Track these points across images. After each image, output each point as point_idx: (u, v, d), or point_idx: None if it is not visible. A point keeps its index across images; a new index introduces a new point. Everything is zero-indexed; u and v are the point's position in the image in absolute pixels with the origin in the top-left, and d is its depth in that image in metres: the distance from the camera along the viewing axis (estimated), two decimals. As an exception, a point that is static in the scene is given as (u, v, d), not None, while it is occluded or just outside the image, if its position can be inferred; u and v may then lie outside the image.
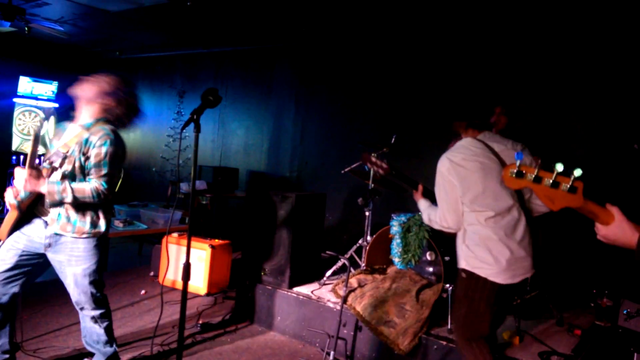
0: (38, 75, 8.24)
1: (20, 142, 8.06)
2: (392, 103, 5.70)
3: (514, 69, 4.90)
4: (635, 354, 2.76)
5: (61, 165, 2.55)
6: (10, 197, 2.54)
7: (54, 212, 2.58)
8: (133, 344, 3.48)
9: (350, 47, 6.06)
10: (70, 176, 2.55)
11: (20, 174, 2.45)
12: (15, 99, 7.97)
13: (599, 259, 4.09)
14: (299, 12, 5.47)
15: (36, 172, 2.46)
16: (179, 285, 4.69)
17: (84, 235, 2.61)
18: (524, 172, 1.37)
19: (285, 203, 4.03)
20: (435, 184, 2.52)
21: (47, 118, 2.31)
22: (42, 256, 2.66)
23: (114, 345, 2.87)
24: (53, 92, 8.41)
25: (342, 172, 4.36)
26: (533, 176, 1.36)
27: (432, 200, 2.67)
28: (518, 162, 1.37)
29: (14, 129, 8.00)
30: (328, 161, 6.20)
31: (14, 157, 7.92)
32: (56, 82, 8.43)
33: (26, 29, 5.82)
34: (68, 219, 2.58)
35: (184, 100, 7.84)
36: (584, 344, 3.32)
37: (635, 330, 3.02)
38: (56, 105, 8.39)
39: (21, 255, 2.61)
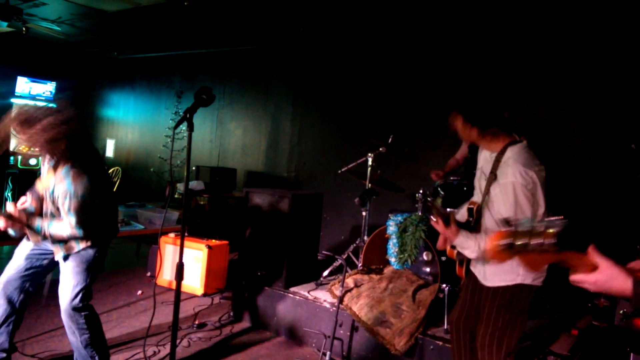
0: (36, 75, 8.25)
1: (17, 142, 8.03)
2: (389, 104, 5.69)
3: (511, 70, 4.89)
4: (632, 354, 2.75)
5: (44, 206, 2.68)
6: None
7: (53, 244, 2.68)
8: (128, 344, 3.47)
9: (348, 48, 6.05)
10: (51, 215, 2.65)
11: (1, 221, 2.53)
12: (13, 100, 7.97)
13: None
14: (297, 12, 5.47)
15: (9, 221, 2.53)
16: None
17: (89, 244, 2.70)
18: (513, 244, 1.25)
19: (282, 203, 4.03)
20: (508, 201, 2.14)
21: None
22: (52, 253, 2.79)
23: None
24: (51, 92, 8.41)
25: (339, 172, 4.35)
26: (521, 243, 1.25)
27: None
28: (507, 229, 1.26)
29: (12, 130, 7.98)
30: (325, 161, 6.20)
31: (11, 158, 7.91)
32: (54, 83, 8.43)
33: (24, 29, 5.82)
34: (68, 241, 2.67)
35: (182, 100, 7.83)
36: (581, 344, 3.31)
37: (632, 330, 3.02)
38: (54, 105, 8.38)
39: (33, 250, 2.75)
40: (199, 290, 4.60)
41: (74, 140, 2.54)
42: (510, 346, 2.28)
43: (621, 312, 3.05)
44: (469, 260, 2.48)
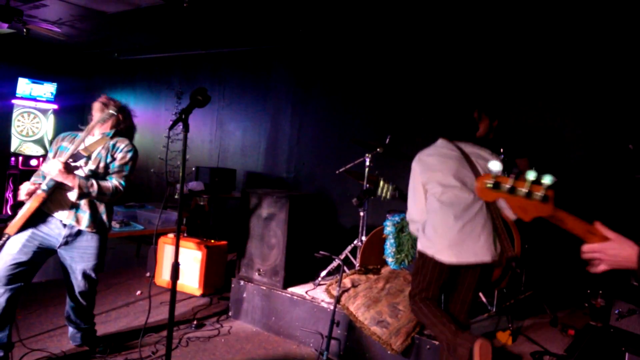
0: (37, 76, 8.27)
1: (19, 143, 8.08)
2: (388, 104, 5.71)
3: (509, 70, 4.90)
4: (627, 354, 2.76)
5: (85, 165, 2.91)
6: (24, 192, 2.81)
7: (72, 206, 2.90)
8: (127, 343, 3.49)
9: (347, 49, 6.07)
10: (92, 175, 2.90)
11: (54, 164, 2.73)
12: (14, 101, 8.00)
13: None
14: (296, 13, 5.49)
15: (69, 167, 2.78)
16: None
17: (95, 230, 2.97)
18: (499, 183, 1.33)
19: (280, 203, 4.04)
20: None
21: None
22: (52, 252, 2.97)
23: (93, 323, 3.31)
24: (52, 93, 8.44)
25: (337, 172, 4.36)
26: (507, 187, 1.32)
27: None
28: (493, 173, 1.33)
29: (13, 131, 8.02)
30: (324, 162, 6.21)
31: (12, 159, 7.94)
32: (55, 84, 8.46)
33: (24, 30, 5.84)
34: (84, 212, 2.92)
35: (181, 101, 7.85)
36: (577, 343, 3.32)
37: (627, 330, 3.02)
38: (55, 106, 8.41)
39: (35, 251, 2.87)
40: (198, 291, 4.62)
41: (130, 126, 3.25)
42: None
43: (616, 312, 3.06)
44: None
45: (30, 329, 3.55)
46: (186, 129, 2.27)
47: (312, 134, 6.50)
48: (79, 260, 3.01)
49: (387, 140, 4.25)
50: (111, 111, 3.02)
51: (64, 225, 2.92)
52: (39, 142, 8.31)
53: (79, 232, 2.96)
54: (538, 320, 3.90)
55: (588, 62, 4.45)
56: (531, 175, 1.28)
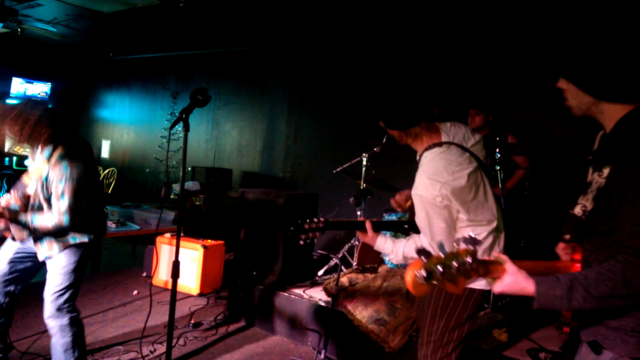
0: (31, 76, 8.24)
1: (12, 143, 8.02)
2: (384, 104, 5.72)
3: (502, 69, 4.93)
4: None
5: (27, 198, 2.62)
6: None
7: (34, 239, 2.63)
8: (124, 344, 3.49)
9: (343, 49, 6.09)
10: (37, 208, 2.59)
11: None
12: (8, 101, 7.95)
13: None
14: (292, 13, 5.50)
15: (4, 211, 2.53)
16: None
17: (70, 248, 2.64)
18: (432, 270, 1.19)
19: (277, 203, 4.05)
20: (422, 214, 2.00)
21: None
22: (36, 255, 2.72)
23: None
24: (46, 93, 8.40)
25: (334, 171, 4.38)
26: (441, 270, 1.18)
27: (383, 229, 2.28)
28: (425, 260, 1.20)
29: (7, 131, 7.97)
30: (321, 161, 6.23)
31: (6, 159, 7.91)
32: (49, 83, 8.43)
33: (19, 30, 5.82)
34: (50, 239, 2.61)
35: (177, 101, 7.85)
36: (573, 341, 3.35)
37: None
38: (50, 106, 8.38)
39: (16, 253, 2.70)
40: (195, 290, 4.62)
41: (56, 127, 2.56)
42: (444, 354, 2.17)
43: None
44: None
45: (27, 329, 3.55)
46: (186, 128, 2.27)
47: (308, 134, 6.52)
48: (50, 277, 2.68)
49: (385, 139, 4.27)
50: (9, 135, 2.56)
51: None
52: (34, 142, 8.27)
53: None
54: (533, 317, 3.93)
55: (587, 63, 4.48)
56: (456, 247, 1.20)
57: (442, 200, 1.92)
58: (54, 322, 2.67)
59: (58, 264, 2.64)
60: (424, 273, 1.18)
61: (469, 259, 1.18)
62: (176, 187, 6.14)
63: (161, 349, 3.41)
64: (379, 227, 2.19)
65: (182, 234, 5.09)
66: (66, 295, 2.66)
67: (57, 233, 2.58)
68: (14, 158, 7.90)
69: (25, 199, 2.63)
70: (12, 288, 2.72)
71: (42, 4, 5.77)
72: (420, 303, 2.29)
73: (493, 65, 5.00)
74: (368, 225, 2.14)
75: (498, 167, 3.84)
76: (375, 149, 4.16)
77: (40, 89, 8.31)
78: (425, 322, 2.18)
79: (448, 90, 5.21)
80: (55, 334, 2.68)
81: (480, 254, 1.26)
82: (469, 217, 2.00)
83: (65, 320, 2.67)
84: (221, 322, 4.07)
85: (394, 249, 2.13)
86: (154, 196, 7.85)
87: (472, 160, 2.06)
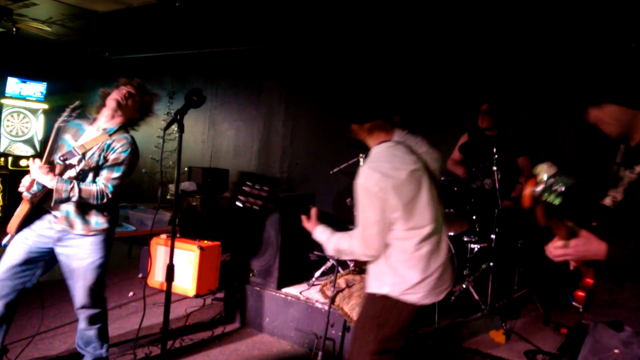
0: (26, 76, 8.18)
1: (8, 143, 7.98)
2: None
3: (503, 70, 4.92)
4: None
5: (78, 164, 2.66)
6: (23, 186, 2.63)
7: (62, 209, 2.67)
8: (119, 346, 3.46)
9: (340, 48, 6.06)
10: (82, 176, 2.67)
11: (34, 164, 2.55)
12: (3, 100, 7.91)
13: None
14: (289, 13, 5.48)
15: (48, 168, 2.55)
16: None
17: (92, 233, 2.72)
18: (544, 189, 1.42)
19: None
20: (358, 203, 2.00)
21: (71, 114, 2.41)
22: (50, 252, 2.75)
23: (104, 348, 2.94)
24: (42, 92, 8.35)
25: (331, 172, 4.36)
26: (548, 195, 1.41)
27: (326, 223, 2.27)
28: (544, 176, 1.40)
29: (2, 130, 7.93)
30: (318, 162, 6.21)
31: (2, 159, 7.85)
32: (45, 83, 8.37)
33: (14, 29, 5.78)
34: (76, 216, 2.69)
35: (174, 101, 7.81)
36: (570, 342, 3.34)
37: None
38: (45, 106, 8.33)
39: (30, 252, 2.70)
40: (191, 292, 4.59)
41: (140, 122, 2.92)
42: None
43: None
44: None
45: (21, 332, 3.51)
46: (181, 129, 2.25)
47: (305, 134, 6.50)
48: (74, 259, 2.71)
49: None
50: (131, 113, 2.81)
51: (56, 219, 2.69)
52: (29, 142, 8.22)
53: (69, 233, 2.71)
54: (531, 318, 3.92)
55: (581, 61, 4.48)
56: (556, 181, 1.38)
57: (379, 190, 1.93)
58: (82, 312, 2.82)
59: (83, 248, 2.71)
60: (539, 189, 1.38)
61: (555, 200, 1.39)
62: (172, 188, 6.11)
63: (157, 351, 3.38)
64: (324, 218, 2.24)
65: (178, 235, 5.07)
66: (97, 280, 2.78)
67: (87, 208, 2.68)
68: (10, 158, 7.84)
69: (64, 167, 2.64)
70: (20, 286, 2.70)
71: (37, 3, 5.73)
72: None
73: (493, 70, 4.99)
74: (314, 212, 2.23)
75: (495, 168, 3.83)
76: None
77: (35, 88, 8.25)
78: (357, 332, 2.22)
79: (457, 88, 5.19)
80: (82, 324, 2.85)
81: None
82: (407, 225, 2.00)
83: (94, 311, 2.84)
84: (217, 323, 4.05)
85: (329, 239, 2.16)
86: (151, 197, 7.82)
87: (418, 162, 2.07)
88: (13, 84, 7.99)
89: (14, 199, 7.19)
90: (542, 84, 4.72)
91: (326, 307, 3.44)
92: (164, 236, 4.88)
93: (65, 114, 2.57)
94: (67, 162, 2.63)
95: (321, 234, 2.21)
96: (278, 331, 3.87)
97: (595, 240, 1.49)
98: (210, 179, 6.38)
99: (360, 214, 2.00)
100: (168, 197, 6.87)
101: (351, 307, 3.38)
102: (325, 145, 6.21)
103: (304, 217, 2.25)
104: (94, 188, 2.63)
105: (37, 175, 2.54)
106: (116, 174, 2.69)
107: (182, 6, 5.28)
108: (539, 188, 1.37)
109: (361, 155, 4.21)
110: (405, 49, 5.55)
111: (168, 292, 2.31)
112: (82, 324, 2.88)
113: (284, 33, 6.10)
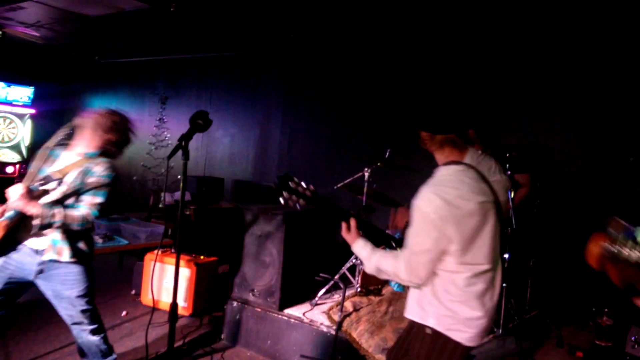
0: (13, 80, 7.93)
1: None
2: (381, 111, 5.56)
3: (509, 80, 4.80)
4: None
5: (55, 188, 2.58)
6: None
7: (47, 239, 2.61)
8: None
9: (339, 54, 5.91)
10: (60, 201, 2.58)
11: (14, 189, 2.44)
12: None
13: (597, 277, 4.00)
14: (287, 17, 5.31)
15: (31, 193, 2.48)
16: (163, 305, 4.46)
17: (76, 259, 2.66)
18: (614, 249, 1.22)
19: (276, 221, 3.85)
20: (413, 225, 1.80)
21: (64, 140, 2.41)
22: (28, 283, 2.68)
23: (113, 354, 2.93)
24: (29, 97, 8.10)
25: (335, 187, 4.19)
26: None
27: (366, 234, 2.08)
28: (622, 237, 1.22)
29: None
30: (316, 171, 6.04)
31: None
32: (32, 87, 8.12)
33: (0, 32, 5.55)
34: (63, 243, 2.62)
35: (166, 106, 7.60)
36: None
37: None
38: (32, 111, 8.07)
39: (8, 282, 2.62)
40: (186, 311, 4.39)
41: (121, 145, 2.80)
42: None
43: (632, 338, 2.95)
44: None
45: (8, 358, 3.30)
46: (186, 157, 2.07)
47: (303, 142, 6.32)
48: (62, 289, 2.67)
49: (387, 154, 4.09)
50: (105, 135, 2.70)
51: (36, 252, 2.61)
52: (16, 148, 7.97)
53: (56, 262, 2.64)
54: (543, 340, 3.79)
55: (587, 72, 4.37)
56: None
57: (438, 219, 1.72)
58: (83, 328, 2.78)
59: (70, 276, 2.66)
60: (614, 249, 1.20)
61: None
62: (166, 197, 5.90)
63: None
64: (364, 227, 2.05)
65: (172, 250, 4.86)
66: (89, 302, 2.76)
67: (72, 234, 2.62)
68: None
69: (42, 192, 2.56)
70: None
71: (25, 7, 5.50)
72: (398, 351, 2.15)
73: (494, 79, 4.87)
74: (353, 222, 2.04)
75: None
76: (379, 164, 3.98)
77: (22, 93, 8.00)
78: None
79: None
80: (85, 337, 2.81)
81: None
82: (461, 259, 1.79)
83: (94, 326, 2.81)
84: (215, 344, 3.85)
85: (370, 257, 1.95)
86: (142, 205, 7.58)
87: (489, 193, 1.86)
88: (-1, 89, 7.74)
89: None
90: (549, 97, 4.61)
91: (332, 331, 3.27)
92: (158, 252, 4.66)
93: (58, 138, 2.48)
94: (43, 188, 2.55)
95: (362, 249, 2.00)
96: (280, 355, 3.68)
97: None
98: (205, 188, 6.17)
99: (413, 237, 1.79)
100: (160, 205, 6.66)
101: (360, 333, 3.22)
102: (324, 154, 6.04)
103: (343, 226, 2.06)
104: (77, 213, 2.58)
105: (19, 200, 2.43)
106: (98, 199, 2.66)
107: (176, 11, 5.09)
108: (610, 247, 1.19)
109: (366, 169, 4.06)
110: (405, 52, 5.42)
111: (172, 330, 2.12)
112: (83, 338, 2.83)
113: (281, 38, 5.93)
